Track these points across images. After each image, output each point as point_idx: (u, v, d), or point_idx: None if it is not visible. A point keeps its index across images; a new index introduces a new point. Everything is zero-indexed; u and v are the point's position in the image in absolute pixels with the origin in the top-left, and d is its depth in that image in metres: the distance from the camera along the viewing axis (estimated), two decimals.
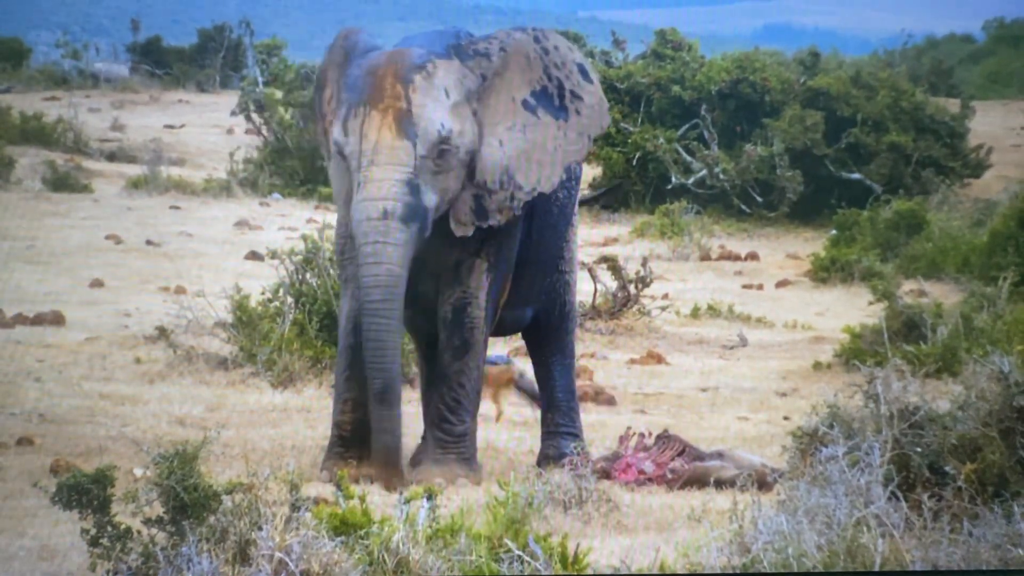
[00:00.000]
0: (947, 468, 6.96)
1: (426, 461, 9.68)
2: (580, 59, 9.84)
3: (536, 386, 10.88)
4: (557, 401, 10.45)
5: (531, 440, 10.78)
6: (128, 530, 6.48)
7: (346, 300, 9.77)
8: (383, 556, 6.49)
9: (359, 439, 9.76)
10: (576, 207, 10.53)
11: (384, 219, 9.17)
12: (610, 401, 12.58)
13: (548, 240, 10.13)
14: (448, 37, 9.63)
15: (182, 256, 18.90)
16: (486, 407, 10.57)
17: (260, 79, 30.05)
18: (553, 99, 9.65)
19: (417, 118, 9.21)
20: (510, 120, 9.53)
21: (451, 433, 9.65)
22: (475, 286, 9.64)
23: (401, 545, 6.52)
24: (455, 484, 9.37)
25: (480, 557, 6.57)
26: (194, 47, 37.28)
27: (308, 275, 13.13)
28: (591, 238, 22.12)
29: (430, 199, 9.29)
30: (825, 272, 20.19)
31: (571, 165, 9.99)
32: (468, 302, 9.64)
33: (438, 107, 9.27)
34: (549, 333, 10.50)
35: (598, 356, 14.83)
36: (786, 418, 11.76)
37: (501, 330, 10.45)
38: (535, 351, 10.65)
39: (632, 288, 16.31)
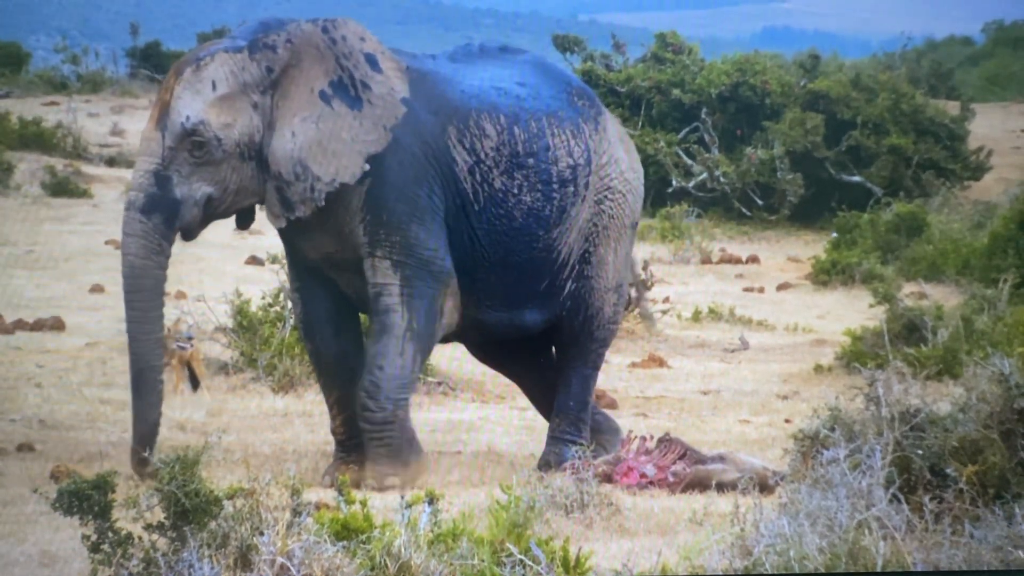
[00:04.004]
0: (948, 470, 6.95)
1: (365, 459, 9.60)
2: (371, 49, 9.65)
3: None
4: (567, 409, 10.28)
5: (532, 444, 10.76)
6: (129, 536, 6.47)
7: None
8: (385, 561, 6.48)
9: (357, 442, 9.76)
10: (594, 216, 10.08)
11: (128, 210, 9.47)
12: (611, 404, 12.55)
13: (509, 243, 9.83)
14: (258, 30, 9.59)
15: (182, 261, 18.69)
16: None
17: None
18: (348, 89, 9.52)
19: (170, 110, 9.30)
20: (306, 111, 9.44)
21: (371, 421, 9.52)
22: (386, 281, 9.52)
23: (403, 550, 6.51)
24: (383, 486, 9.27)
25: (482, 561, 6.57)
26: None
27: None
28: None
29: (188, 191, 9.40)
30: (826, 275, 20.20)
31: (552, 170, 9.80)
32: (380, 292, 9.54)
33: (195, 99, 9.29)
34: (572, 339, 10.29)
35: None
36: (787, 421, 11.75)
37: (487, 332, 10.19)
38: (558, 355, 10.47)
39: (633, 291, 16.30)
